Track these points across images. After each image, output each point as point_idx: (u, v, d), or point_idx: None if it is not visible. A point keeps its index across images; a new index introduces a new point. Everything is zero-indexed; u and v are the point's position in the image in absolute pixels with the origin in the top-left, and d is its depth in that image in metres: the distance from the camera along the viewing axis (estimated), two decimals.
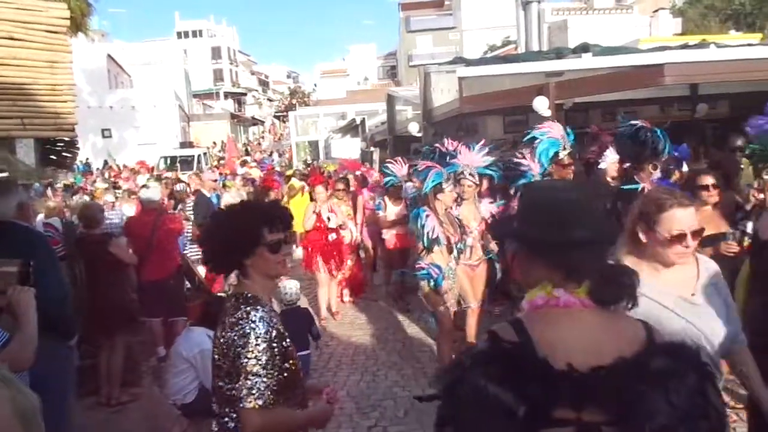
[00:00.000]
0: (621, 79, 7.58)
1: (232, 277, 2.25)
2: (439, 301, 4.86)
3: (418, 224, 4.80)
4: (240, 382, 1.95)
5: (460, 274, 5.14)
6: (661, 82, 7.08)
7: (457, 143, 5.58)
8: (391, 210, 7.47)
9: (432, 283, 4.80)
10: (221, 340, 2.02)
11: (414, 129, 12.64)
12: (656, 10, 20.04)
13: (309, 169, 15.86)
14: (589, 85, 7.83)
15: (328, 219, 7.03)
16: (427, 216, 4.79)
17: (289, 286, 5.38)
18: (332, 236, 7.08)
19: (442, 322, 4.91)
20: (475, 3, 42.38)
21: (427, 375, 5.18)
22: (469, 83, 9.49)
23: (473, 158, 5.46)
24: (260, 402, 1.93)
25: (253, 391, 1.94)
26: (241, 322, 1.98)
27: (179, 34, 61.04)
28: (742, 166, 5.36)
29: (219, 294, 7.05)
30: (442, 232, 4.80)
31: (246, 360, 1.94)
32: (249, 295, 2.07)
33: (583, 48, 9.27)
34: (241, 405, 1.95)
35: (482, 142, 5.69)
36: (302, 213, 7.33)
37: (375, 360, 5.78)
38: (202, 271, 8.04)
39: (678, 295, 2.10)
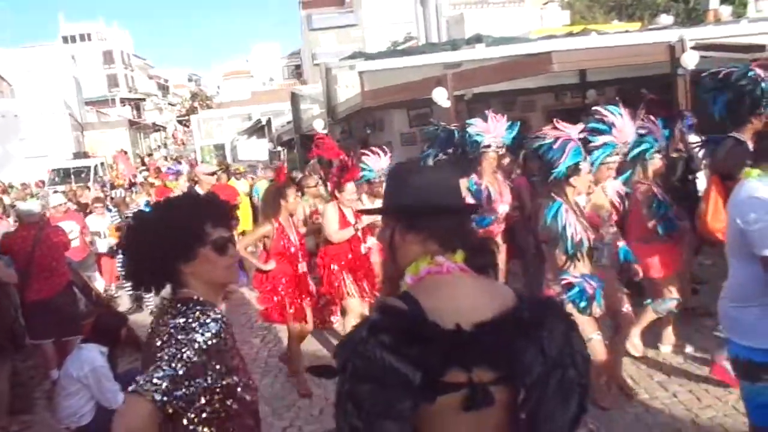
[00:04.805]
0: (513, 67, 7.84)
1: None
2: (591, 328, 3.54)
3: (559, 224, 3.48)
4: (149, 369, 1.50)
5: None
6: (550, 69, 7.36)
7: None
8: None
9: (584, 304, 3.49)
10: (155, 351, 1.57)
11: (319, 126, 12.51)
12: (546, 3, 21.03)
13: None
14: (484, 75, 8.04)
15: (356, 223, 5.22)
16: (567, 211, 3.51)
17: None
18: (364, 247, 5.28)
19: (593, 352, 3.37)
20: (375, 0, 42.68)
21: None
22: (371, 78, 9.49)
23: (628, 129, 3.96)
24: (158, 396, 1.46)
25: (156, 381, 1.47)
26: (191, 321, 1.58)
27: (65, 39, 57.36)
28: None
29: (116, 309, 6.69)
30: (583, 232, 3.53)
31: (172, 351, 1.53)
32: (200, 299, 1.67)
33: (477, 39, 9.53)
34: (131, 388, 1.50)
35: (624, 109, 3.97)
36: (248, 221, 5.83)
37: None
38: (100, 286, 7.61)
39: None
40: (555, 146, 3.59)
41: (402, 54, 10.61)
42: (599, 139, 3.81)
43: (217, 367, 1.61)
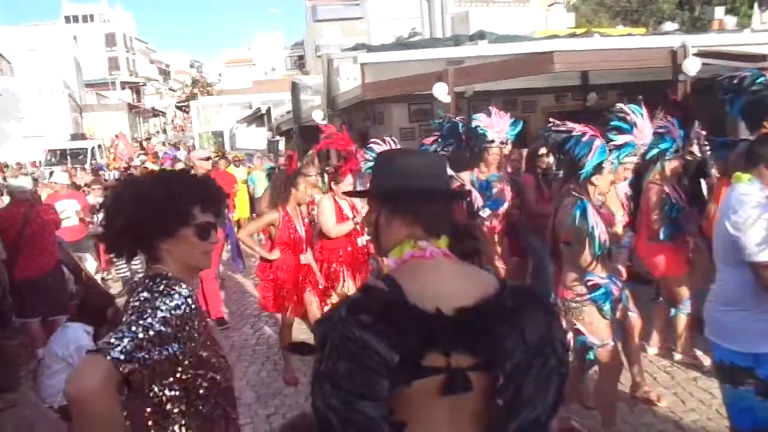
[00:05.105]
0: (514, 65, 7.81)
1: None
2: (607, 333, 3.40)
3: (588, 224, 3.26)
4: (110, 334, 1.49)
5: None
6: (552, 69, 7.33)
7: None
8: None
9: (607, 307, 3.35)
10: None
11: (318, 117, 12.46)
12: (551, 4, 21.00)
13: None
14: (485, 72, 8.01)
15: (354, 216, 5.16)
16: (593, 211, 3.34)
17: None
18: (362, 240, 5.19)
19: (606, 358, 3.41)
20: None
21: None
22: (373, 70, 9.45)
23: (647, 131, 3.93)
24: (114, 354, 1.42)
25: (113, 341, 1.45)
26: (155, 294, 1.57)
27: (67, 19, 57.04)
28: None
29: (104, 289, 6.66)
30: (605, 233, 3.35)
31: (133, 318, 1.50)
32: (169, 274, 1.65)
33: (480, 35, 9.50)
34: (93, 347, 1.50)
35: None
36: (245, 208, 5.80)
37: (277, 348, 5.63)
38: (91, 266, 7.58)
39: None
40: (584, 140, 3.37)
41: (404, 47, 10.58)
42: (620, 139, 3.74)
43: (184, 342, 1.59)
